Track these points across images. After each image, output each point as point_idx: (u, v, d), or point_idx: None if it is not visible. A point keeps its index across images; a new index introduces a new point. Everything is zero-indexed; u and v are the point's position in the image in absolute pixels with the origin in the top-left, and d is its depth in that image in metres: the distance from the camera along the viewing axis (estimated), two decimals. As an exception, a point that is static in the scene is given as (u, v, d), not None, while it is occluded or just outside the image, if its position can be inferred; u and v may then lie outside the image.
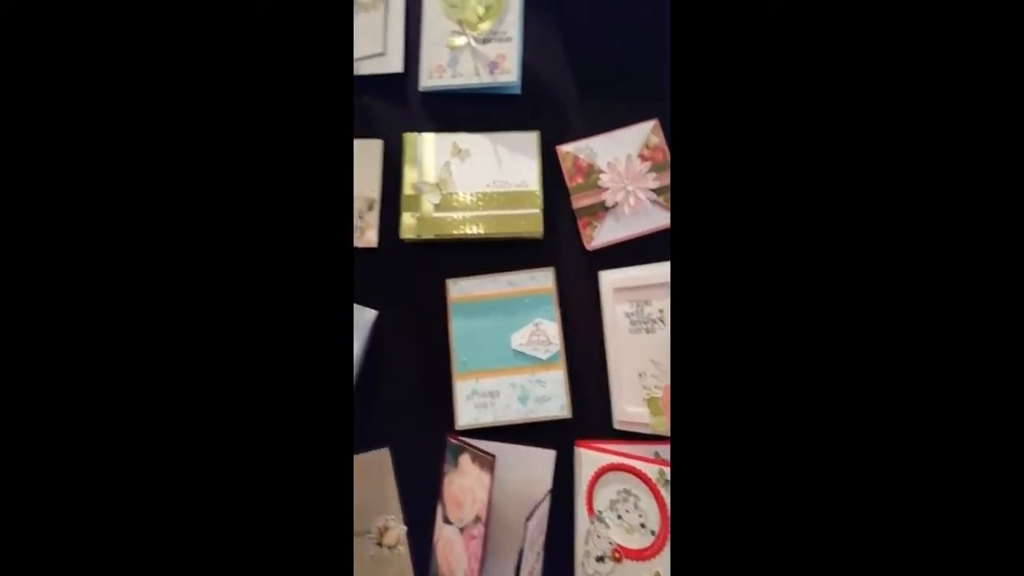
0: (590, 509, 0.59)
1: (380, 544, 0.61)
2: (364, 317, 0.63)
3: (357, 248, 0.65)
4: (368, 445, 0.63)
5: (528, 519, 0.53)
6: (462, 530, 0.57)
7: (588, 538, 0.58)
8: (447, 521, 0.59)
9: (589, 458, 0.59)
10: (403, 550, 0.61)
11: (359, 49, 0.64)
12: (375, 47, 0.63)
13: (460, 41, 0.65)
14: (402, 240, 0.64)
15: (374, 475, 0.63)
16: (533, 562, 0.56)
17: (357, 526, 0.62)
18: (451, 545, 0.58)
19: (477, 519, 0.56)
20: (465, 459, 0.59)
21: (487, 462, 0.57)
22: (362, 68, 0.67)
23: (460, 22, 0.66)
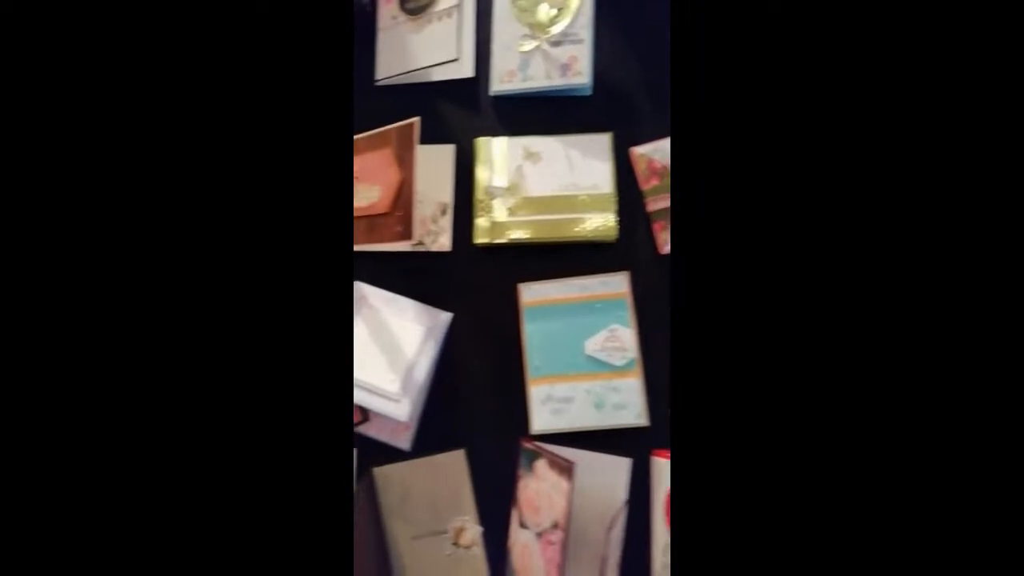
0: (668, 520, 0.57)
1: (456, 544, 0.62)
2: (439, 320, 0.64)
3: (430, 252, 0.66)
4: (444, 446, 0.64)
5: (609, 528, 0.52)
6: (539, 535, 0.57)
7: (666, 550, 0.57)
8: (523, 526, 0.59)
9: (667, 468, 0.58)
10: (478, 551, 0.62)
11: (433, 56, 0.65)
12: (449, 53, 0.64)
13: (531, 45, 0.65)
14: (475, 244, 0.64)
15: (449, 475, 0.64)
16: (611, 573, 0.55)
17: (433, 525, 0.63)
18: (527, 550, 0.58)
19: (555, 525, 0.56)
20: (541, 464, 0.59)
21: (565, 468, 0.56)
22: (433, 75, 0.68)
23: (531, 25, 0.65)
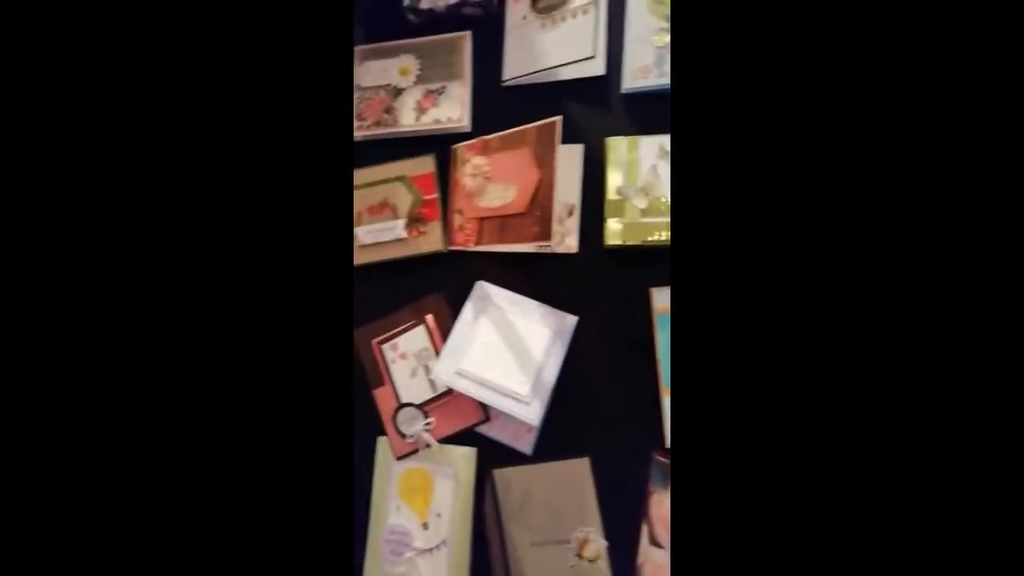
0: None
1: (580, 556, 0.60)
2: (565, 323, 0.63)
3: (556, 254, 0.65)
4: (567, 452, 0.62)
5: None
6: (675, 555, 0.54)
7: None
8: (655, 544, 0.56)
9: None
10: (603, 565, 0.59)
11: (566, 55, 0.64)
12: (584, 51, 0.62)
13: (668, 38, 0.62)
14: (606, 246, 0.62)
15: (572, 484, 0.62)
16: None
17: (554, 534, 0.61)
18: (661, 571, 0.55)
19: (695, 546, 0.52)
20: (676, 479, 0.56)
21: (705, 486, 0.53)
22: (561, 74, 0.67)
23: (667, 18, 0.63)
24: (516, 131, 0.64)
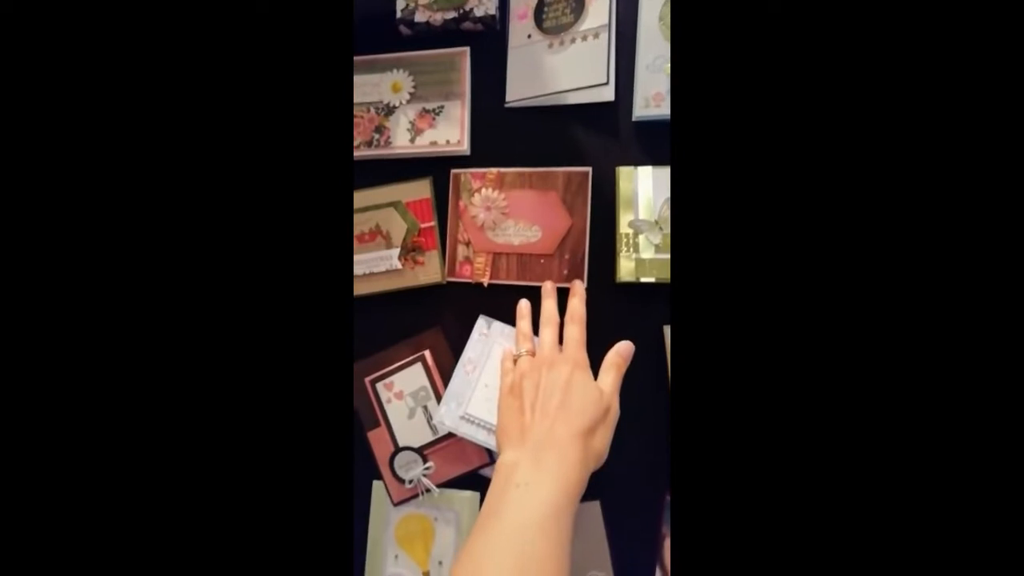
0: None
1: (593, 604, 0.58)
2: (574, 363, 0.60)
3: (562, 288, 0.62)
4: (577, 497, 0.60)
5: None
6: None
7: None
8: (673, 591, 0.54)
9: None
10: (616, 613, 0.58)
11: (577, 79, 0.61)
12: (597, 77, 0.59)
13: (680, 66, 0.60)
14: (616, 283, 0.60)
15: (583, 528, 0.60)
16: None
17: (564, 580, 0.59)
18: (680, 619, 0.53)
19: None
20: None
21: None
22: (568, 99, 0.63)
23: (678, 44, 0.60)
24: (539, 171, 0.63)
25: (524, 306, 0.61)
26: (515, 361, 0.57)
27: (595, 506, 0.60)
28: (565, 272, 0.61)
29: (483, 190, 0.64)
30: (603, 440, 0.51)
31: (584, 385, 0.52)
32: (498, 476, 0.48)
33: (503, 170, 0.64)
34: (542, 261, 0.62)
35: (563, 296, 0.61)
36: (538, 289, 0.61)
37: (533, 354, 0.56)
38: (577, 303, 0.57)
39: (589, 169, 0.61)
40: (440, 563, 0.62)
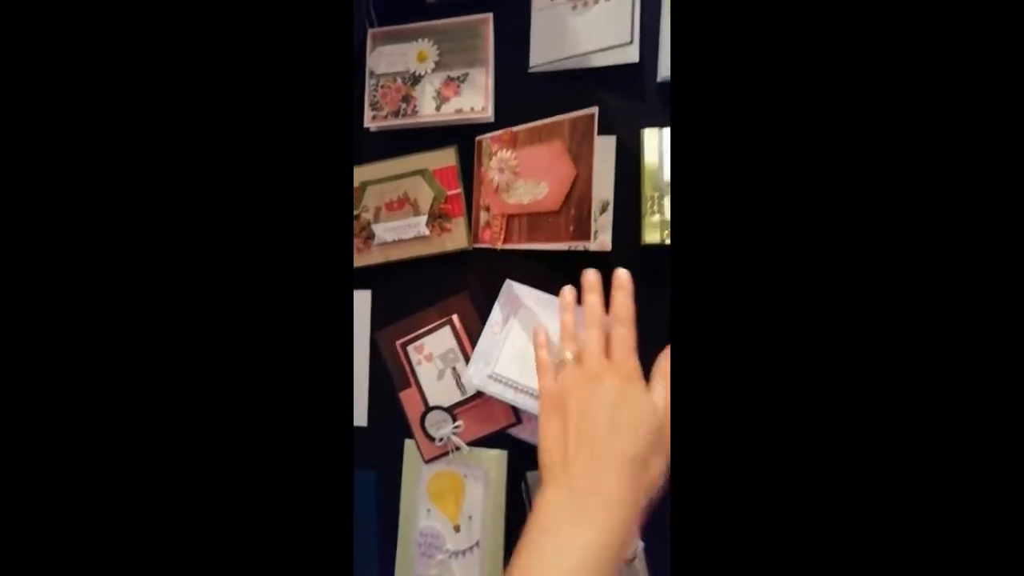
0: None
1: None
2: (599, 325, 0.61)
3: (588, 252, 0.62)
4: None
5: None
6: None
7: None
8: None
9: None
10: (639, 566, 0.59)
11: (600, 40, 0.60)
12: (621, 36, 0.59)
13: (707, 23, 0.59)
14: (642, 244, 0.60)
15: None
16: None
17: None
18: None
19: None
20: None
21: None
22: (592, 61, 0.63)
23: (705, 1, 0.59)
24: (547, 123, 0.61)
25: (568, 295, 0.55)
26: (558, 365, 0.51)
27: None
28: (571, 229, 0.58)
29: (499, 152, 0.65)
30: (658, 466, 0.44)
31: (635, 402, 0.46)
32: (535, 517, 0.43)
33: (515, 129, 0.64)
34: (549, 219, 0.60)
35: (567, 260, 0.61)
36: (554, 253, 0.62)
37: (579, 358, 0.49)
38: (623, 298, 0.50)
39: (595, 109, 0.57)
40: (470, 517, 0.65)
